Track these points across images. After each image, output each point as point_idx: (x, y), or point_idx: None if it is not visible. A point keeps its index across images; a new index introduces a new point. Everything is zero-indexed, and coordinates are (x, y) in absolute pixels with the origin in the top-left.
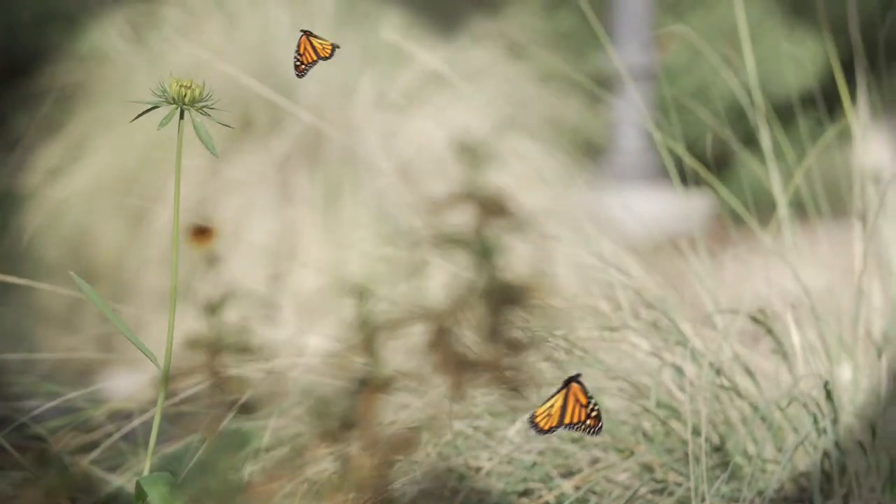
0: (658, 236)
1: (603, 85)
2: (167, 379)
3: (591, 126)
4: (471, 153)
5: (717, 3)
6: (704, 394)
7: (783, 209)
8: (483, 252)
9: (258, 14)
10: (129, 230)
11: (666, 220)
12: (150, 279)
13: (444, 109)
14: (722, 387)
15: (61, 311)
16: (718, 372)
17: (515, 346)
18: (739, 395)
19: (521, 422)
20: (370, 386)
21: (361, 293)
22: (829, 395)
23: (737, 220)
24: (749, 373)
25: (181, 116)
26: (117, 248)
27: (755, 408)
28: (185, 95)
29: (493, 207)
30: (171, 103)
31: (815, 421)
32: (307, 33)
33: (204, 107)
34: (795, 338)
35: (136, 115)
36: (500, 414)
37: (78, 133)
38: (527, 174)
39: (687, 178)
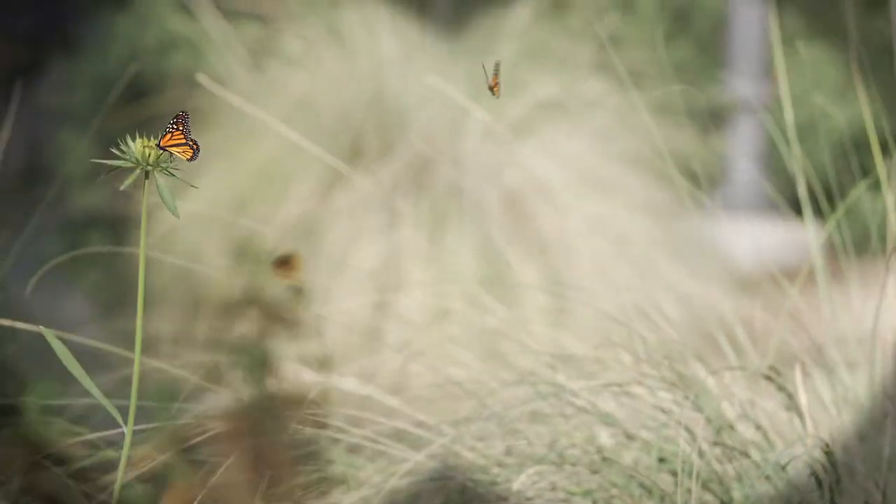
0: (767, 267)
1: (716, 115)
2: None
3: (703, 156)
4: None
5: (832, 34)
6: (707, 450)
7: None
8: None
9: (373, 44)
10: (238, 255)
11: (777, 251)
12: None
13: (554, 139)
14: (720, 444)
15: (167, 335)
16: (719, 429)
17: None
18: (742, 453)
19: None
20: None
21: None
22: (829, 457)
23: (849, 252)
24: (760, 429)
25: (146, 177)
26: (226, 273)
27: (757, 466)
28: (148, 156)
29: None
30: (136, 164)
31: (819, 483)
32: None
33: (167, 168)
34: (802, 394)
35: (105, 173)
36: None
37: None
38: (634, 203)
39: (800, 210)
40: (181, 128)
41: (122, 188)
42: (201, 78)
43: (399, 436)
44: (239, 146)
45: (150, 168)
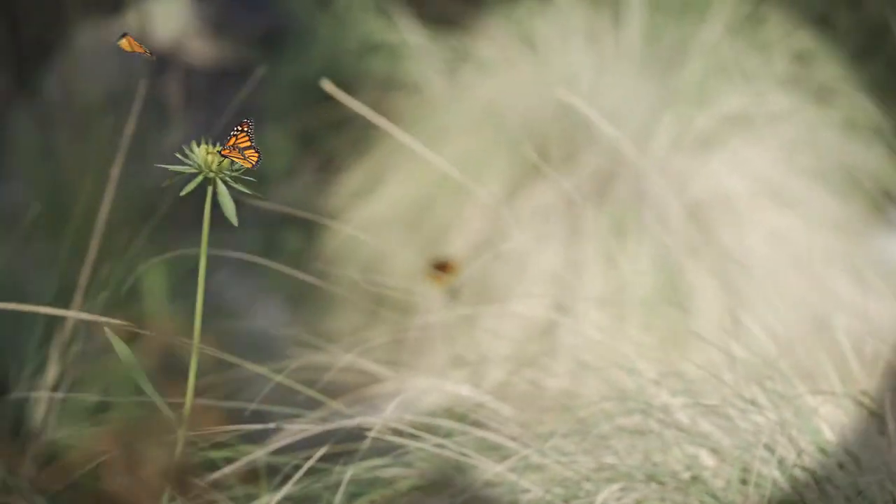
0: None
1: None
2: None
3: (891, 175)
4: None
5: None
6: (796, 473)
7: None
8: None
9: (565, 53)
10: (420, 257)
11: None
12: (435, 308)
13: (740, 152)
14: (806, 469)
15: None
16: (806, 452)
17: None
18: (827, 478)
19: None
20: None
21: None
22: None
23: None
24: (851, 455)
25: (210, 184)
26: (408, 275)
27: (838, 489)
28: (211, 163)
29: None
30: (198, 170)
31: None
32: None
33: (233, 176)
34: (892, 420)
35: (166, 180)
36: None
37: (380, 159)
38: (817, 218)
39: None
40: (246, 133)
41: (182, 195)
42: (327, 85)
43: (487, 445)
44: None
45: (212, 175)
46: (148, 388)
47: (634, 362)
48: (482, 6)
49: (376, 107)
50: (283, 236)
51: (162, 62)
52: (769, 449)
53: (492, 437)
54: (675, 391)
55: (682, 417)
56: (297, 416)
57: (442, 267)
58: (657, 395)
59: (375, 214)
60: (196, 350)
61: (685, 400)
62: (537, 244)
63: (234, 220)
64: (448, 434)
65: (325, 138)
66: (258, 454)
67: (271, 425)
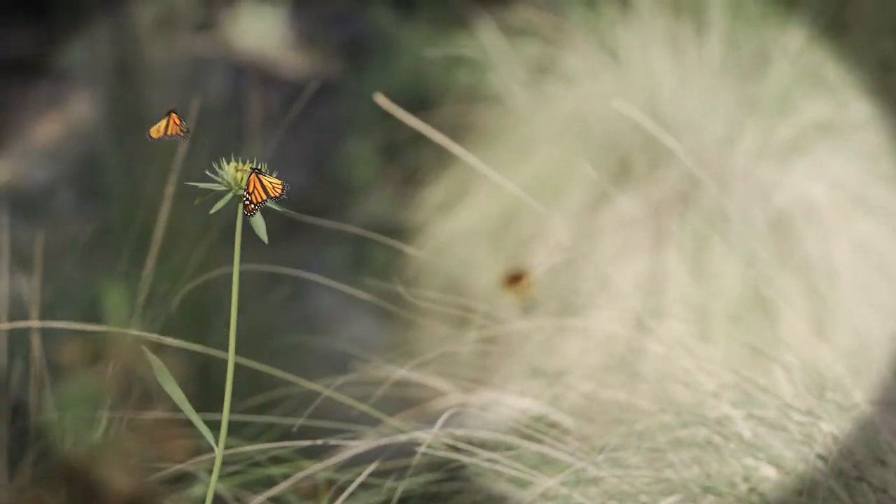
0: None
1: None
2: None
3: None
4: None
5: None
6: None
7: None
8: None
9: (646, 61)
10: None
11: None
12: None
13: (824, 161)
14: (863, 479)
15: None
16: (863, 464)
17: None
18: (881, 489)
19: None
20: None
21: None
22: None
23: None
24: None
25: (241, 202)
26: (492, 288)
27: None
28: (241, 180)
29: None
30: (228, 188)
31: None
32: (257, 172)
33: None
34: None
35: (198, 198)
36: None
37: (464, 172)
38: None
39: None
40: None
41: (211, 212)
42: (379, 98)
43: (545, 460)
44: (509, 161)
45: (241, 192)
46: (185, 407)
47: (694, 374)
48: (564, 17)
49: (459, 119)
50: (369, 251)
51: (254, 75)
52: (824, 459)
53: (549, 451)
54: (734, 402)
55: (740, 429)
56: (351, 431)
57: (517, 279)
58: (716, 406)
59: (459, 227)
60: (231, 365)
61: (742, 411)
62: (620, 256)
63: (265, 237)
64: (505, 448)
65: (408, 151)
66: (314, 468)
67: (318, 441)
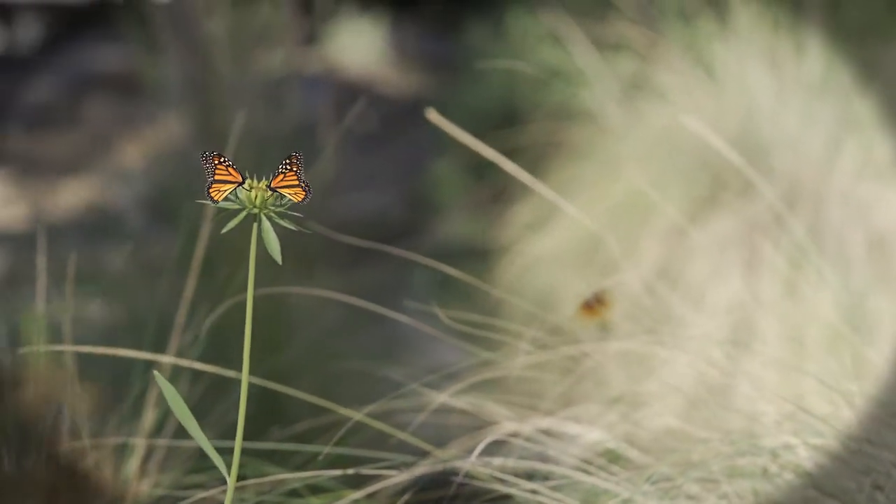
0: None
1: None
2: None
3: None
4: None
5: None
6: None
7: None
8: None
9: (744, 78)
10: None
11: None
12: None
13: None
14: None
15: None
16: None
17: None
18: None
19: None
20: None
21: None
22: None
23: None
24: None
25: (255, 220)
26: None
27: None
28: (255, 198)
29: None
30: (241, 206)
31: None
32: (273, 189)
33: (277, 210)
34: None
35: (219, 215)
36: None
37: (554, 189)
38: None
39: None
40: (294, 169)
41: (223, 231)
42: (431, 115)
43: (590, 490)
44: (600, 179)
45: (255, 211)
46: (197, 434)
47: (755, 402)
48: (659, 32)
49: (551, 136)
50: (458, 267)
51: (355, 92)
52: (878, 488)
53: (598, 481)
54: (794, 431)
55: (799, 458)
56: (390, 460)
57: (596, 302)
58: (775, 435)
59: (546, 247)
60: (245, 387)
61: (801, 440)
62: (712, 278)
63: (279, 258)
64: (551, 478)
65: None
66: (355, 496)
67: (350, 471)
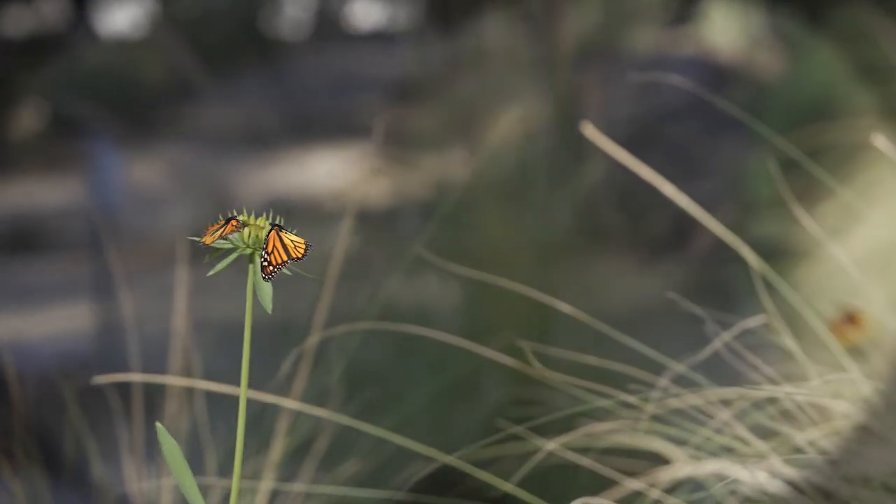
0: None
1: None
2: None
3: None
4: None
5: None
6: None
7: None
8: None
9: None
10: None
11: None
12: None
13: None
14: None
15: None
16: None
17: None
18: None
19: None
20: None
21: None
22: None
23: None
24: None
25: (250, 260)
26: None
27: None
28: (247, 238)
29: None
30: (234, 246)
31: None
32: (277, 227)
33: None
34: None
35: (207, 256)
36: None
37: (860, 192)
38: None
39: None
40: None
41: (209, 275)
42: (586, 128)
43: None
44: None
45: (249, 251)
46: (191, 487)
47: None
48: None
49: (863, 133)
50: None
51: (724, 74)
52: None
53: None
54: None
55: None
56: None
57: (851, 320)
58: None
59: (850, 252)
60: (242, 422)
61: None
62: None
63: (269, 307)
64: None
65: (806, 166)
66: None
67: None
